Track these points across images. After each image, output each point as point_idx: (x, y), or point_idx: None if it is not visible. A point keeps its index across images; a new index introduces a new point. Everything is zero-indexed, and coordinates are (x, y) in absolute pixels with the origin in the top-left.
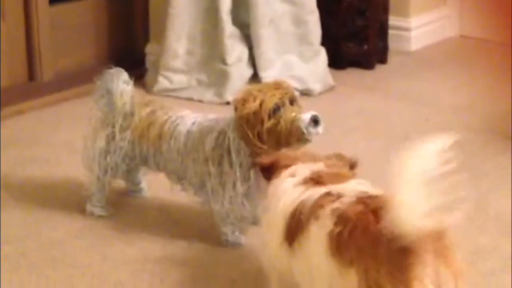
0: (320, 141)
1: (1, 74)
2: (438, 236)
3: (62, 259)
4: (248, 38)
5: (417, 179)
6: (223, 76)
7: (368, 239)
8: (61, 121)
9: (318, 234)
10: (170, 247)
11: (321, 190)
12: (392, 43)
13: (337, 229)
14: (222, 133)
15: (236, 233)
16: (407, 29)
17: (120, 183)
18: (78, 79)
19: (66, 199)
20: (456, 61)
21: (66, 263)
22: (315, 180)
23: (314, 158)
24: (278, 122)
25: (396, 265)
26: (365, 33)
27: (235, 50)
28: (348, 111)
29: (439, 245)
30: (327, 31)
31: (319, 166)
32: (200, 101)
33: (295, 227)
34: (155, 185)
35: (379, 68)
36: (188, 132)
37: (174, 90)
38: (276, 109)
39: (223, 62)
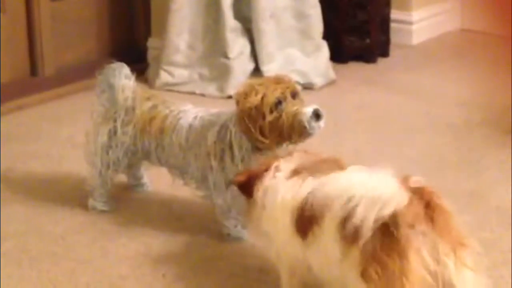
0: (322, 135)
1: (3, 69)
2: (434, 208)
3: (63, 254)
4: (249, 32)
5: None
6: (224, 70)
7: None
8: (63, 116)
9: (331, 223)
10: (172, 241)
11: (325, 180)
12: (393, 37)
13: (345, 214)
14: (224, 127)
15: (238, 227)
16: (409, 23)
17: (122, 177)
18: (79, 74)
19: (68, 194)
20: (458, 55)
21: (68, 258)
22: (307, 170)
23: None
24: (280, 116)
25: (389, 236)
26: (367, 27)
27: (237, 44)
28: (349, 105)
29: (436, 217)
30: (329, 25)
31: (296, 158)
32: (202, 95)
33: (308, 220)
34: (157, 180)
35: (381, 61)
36: (190, 126)
37: (176, 84)
38: (278, 103)
39: (225, 56)
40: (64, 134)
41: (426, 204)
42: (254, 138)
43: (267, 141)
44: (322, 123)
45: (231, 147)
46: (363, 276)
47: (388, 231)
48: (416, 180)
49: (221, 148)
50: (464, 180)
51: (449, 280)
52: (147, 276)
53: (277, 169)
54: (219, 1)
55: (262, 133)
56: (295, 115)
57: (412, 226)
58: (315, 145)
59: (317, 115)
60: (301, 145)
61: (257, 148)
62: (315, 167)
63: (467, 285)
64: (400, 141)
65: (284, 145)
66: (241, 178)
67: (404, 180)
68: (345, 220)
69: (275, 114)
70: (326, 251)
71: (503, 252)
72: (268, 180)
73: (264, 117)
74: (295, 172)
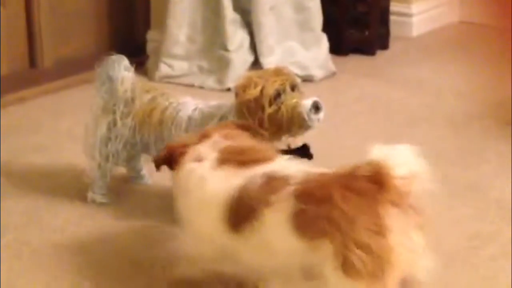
0: (322, 128)
1: (2, 61)
2: (410, 192)
3: (63, 246)
4: (249, 25)
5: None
6: (224, 63)
7: (337, 207)
8: (62, 108)
9: (275, 218)
10: (172, 233)
11: (258, 172)
12: (393, 29)
13: (299, 208)
14: (223, 120)
15: None
16: (409, 15)
17: (121, 170)
18: (79, 66)
19: (67, 187)
20: (457, 47)
21: (67, 250)
22: (232, 159)
23: (204, 135)
24: (279, 108)
25: (369, 219)
26: (367, 19)
27: (236, 37)
28: (349, 97)
29: (404, 199)
30: (328, 17)
31: (218, 141)
32: (201, 87)
33: (243, 214)
34: (156, 172)
35: (381, 54)
36: (190, 118)
37: (175, 76)
38: (277, 96)
39: (225, 48)
40: (63, 126)
41: (395, 188)
42: (253, 131)
43: (266, 134)
44: (321, 115)
45: None
46: (342, 267)
47: (364, 215)
48: (374, 165)
49: None
50: (463, 172)
51: (414, 259)
52: (146, 268)
53: (197, 157)
54: None
55: (261, 125)
56: (294, 107)
57: (387, 208)
58: (314, 138)
59: (316, 108)
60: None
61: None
62: (241, 156)
63: (427, 264)
64: (400, 133)
65: (284, 137)
66: (160, 155)
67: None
68: (297, 213)
69: (274, 106)
70: (268, 245)
71: (503, 244)
72: (189, 170)
73: (263, 110)
74: (222, 162)
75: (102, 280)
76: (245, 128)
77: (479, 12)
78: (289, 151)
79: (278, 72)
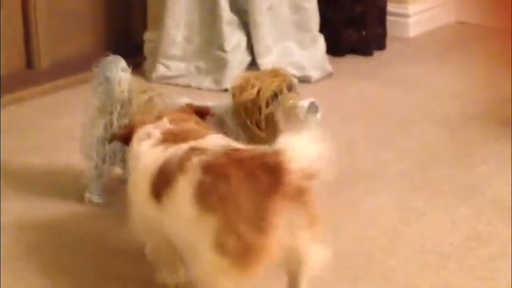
0: (318, 127)
1: None
2: (294, 185)
3: (60, 247)
4: (246, 25)
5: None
6: (221, 63)
7: (230, 187)
8: (59, 108)
9: (185, 186)
10: None
11: (184, 146)
12: (390, 30)
13: (202, 177)
14: (220, 121)
15: None
16: (406, 16)
17: (118, 170)
18: (76, 67)
19: (64, 187)
20: (454, 48)
21: (64, 251)
22: (171, 138)
23: (158, 116)
24: (276, 109)
25: (255, 211)
26: (364, 20)
27: (233, 37)
28: (346, 97)
29: (301, 193)
30: (325, 18)
31: (165, 124)
32: (198, 88)
33: (162, 183)
34: None
35: (378, 54)
36: None
37: (172, 77)
38: (273, 97)
39: (221, 49)
40: (60, 127)
41: (291, 181)
42: (250, 132)
43: (263, 134)
44: (318, 116)
45: None
46: (216, 245)
47: (252, 205)
48: (277, 154)
49: None
50: (460, 172)
51: (300, 254)
52: (142, 269)
53: (144, 135)
54: None
55: (258, 126)
56: (291, 108)
57: (277, 203)
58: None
59: (313, 108)
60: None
61: (253, 141)
62: (181, 135)
63: (314, 258)
64: (396, 133)
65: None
66: (121, 132)
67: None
68: (199, 184)
69: (271, 107)
70: (179, 215)
71: (500, 244)
72: (136, 147)
73: (260, 111)
74: (162, 141)
75: (100, 280)
76: (200, 112)
77: (475, 13)
78: None
79: (275, 73)
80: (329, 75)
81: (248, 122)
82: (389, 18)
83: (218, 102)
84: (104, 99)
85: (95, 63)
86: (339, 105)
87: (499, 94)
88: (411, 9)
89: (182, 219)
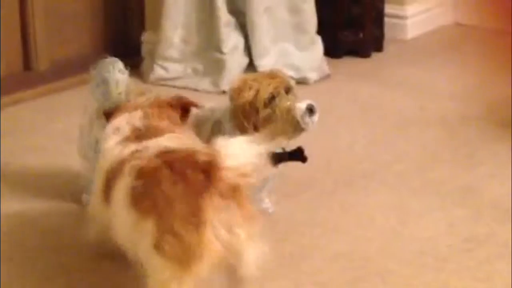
0: (316, 129)
1: None
2: (230, 183)
3: (58, 248)
4: (244, 27)
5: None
6: (219, 65)
7: (162, 190)
8: (57, 110)
9: (121, 189)
10: None
11: (133, 146)
12: (388, 31)
13: (135, 183)
14: (217, 123)
15: None
16: (403, 17)
17: None
18: (74, 68)
19: (62, 188)
20: (452, 49)
21: (62, 252)
22: (135, 136)
23: (134, 106)
24: (274, 111)
25: (189, 208)
26: (361, 22)
27: (231, 39)
28: (344, 99)
29: (234, 191)
30: (323, 20)
31: (139, 116)
32: (196, 90)
33: (111, 183)
34: None
35: (375, 56)
36: None
37: (170, 79)
38: (271, 99)
39: (219, 51)
40: (58, 128)
41: (223, 179)
42: (248, 133)
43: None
44: (315, 118)
45: None
46: (156, 247)
47: (185, 204)
48: (209, 153)
49: None
50: (458, 174)
51: (239, 250)
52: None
53: (115, 129)
54: None
55: (256, 128)
56: (289, 110)
57: (212, 200)
58: (309, 140)
59: (310, 110)
60: (295, 140)
61: None
62: (145, 134)
63: (252, 254)
64: (394, 135)
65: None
66: (110, 111)
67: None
68: (134, 188)
69: (268, 109)
70: (120, 218)
71: (498, 246)
72: (106, 139)
73: (257, 113)
74: (126, 139)
75: (98, 280)
76: (186, 105)
77: (473, 14)
78: (283, 154)
79: (272, 75)
80: (327, 76)
81: (246, 124)
82: (386, 20)
83: (216, 104)
84: (102, 100)
85: (93, 64)
86: (337, 106)
87: (498, 96)
88: (409, 10)
89: (123, 222)
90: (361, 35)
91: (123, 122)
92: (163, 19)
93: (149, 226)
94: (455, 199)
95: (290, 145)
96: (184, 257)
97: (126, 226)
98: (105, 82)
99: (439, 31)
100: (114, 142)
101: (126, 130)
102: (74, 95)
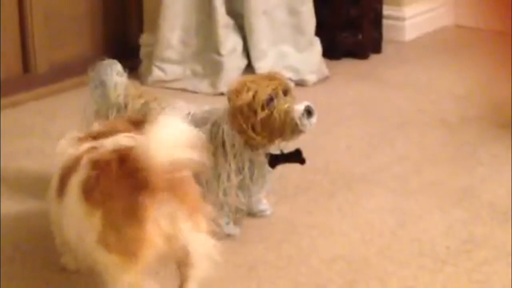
0: (315, 131)
1: None
2: (175, 176)
3: (55, 251)
4: (242, 29)
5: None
6: (217, 67)
7: (110, 183)
8: (56, 112)
9: (75, 183)
10: None
11: (88, 144)
12: (386, 33)
13: (88, 176)
14: (216, 125)
15: (230, 224)
16: (401, 19)
17: None
18: (72, 71)
19: None
20: (451, 51)
21: (59, 255)
22: (90, 136)
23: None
24: (272, 113)
25: (130, 203)
26: (360, 23)
27: (229, 41)
28: (343, 101)
29: (176, 184)
30: (321, 21)
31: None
32: (194, 92)
33: (63, 180)
34: None
35: (374, 57)
36: None
37: (168, 81)
38: (269, 100)
39: (217, 52)
40: (57, 130)
41: (166, 172)
42: (246, 135)
43: (259, 138)
44: (314, 120)
45: (223, 144)
46: (100, 241)
47: (127, 198)
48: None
49: (213, 145)
50: (457, 175)
51: (184, 245)
52: None
53: (71, 132)
54: None
55: (254, 130)
56: (287, 112)
57: (152, 194)
58: (307, 142)
59: (308, 112)
60: (293, 142)
61: (249, 145)
62: (102, 134)
63: (199, 247)
64: (393, 136)
65: (277, 141)
66: None
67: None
68: (87, 181)
69: (266, 111)
70: (71, 211)
71: (496, 248)
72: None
73: (256, 114)
74: (81, 139)
75: (96, 283)
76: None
77: (473, 16)
78: (281, 156)
79: (271, 76)
80: (326, 78)
81: (244, 126)
82: (385, 21)
83: (214, 105)
84: (100, 103)
85: (91, 67)
86: (335, 108)
87: (497, 97)
88: (407, 12)
89: (73, 215)
90: (359, 36)
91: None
92: (161, 21)
93: (95, 220)
94: (454, 200)
95: (288, 146)
96: (126, 251)
97: (76, 218)
98: (103, 84)
99: (437, 32)
100: (68, 141)
101: (83, 132)
102: (73, 97)
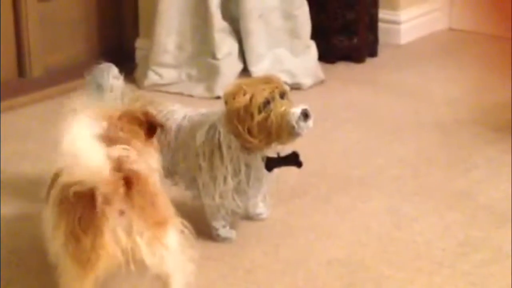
0: (311, 134)
1: None
2: (134, 186)
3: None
4: (238, 33)
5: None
6: (213, 71)
7: (73, 194)
8: (51, 116)
9: (54, 193)
10: None
11: None
12: (382, 37)
13: (64, 192)
14: (212, 128)
15: (227, 227)
16: (397, 23)
17: None
18: (68, 75)
19: None
20: (446, 54)
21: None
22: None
23: (107, 115)
24: (268, 116)
25: (86, 213)
26: (355, 27)
27: (225, 45)
28: (338, 104)
29: (136, 196)
30: (317, 25)
31: (103, 126)
32: (190, 95)
33: (51, 186)
34: None
35: (369, 61)
36: (179, 126)
37: (164, 85)
38: (266, 103)
39: (213, 56)
40: (53, 134)
41: (127, 182)
42: (242, 138)
43: (256, 141)
44: (310, 123)
45: (220, 147)
46: (64, 247)
47: (86, 207)
48: (123, 156)
49: (210, 149)
50: (453, 178)
51: (140, 258)
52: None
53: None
54: (207, 2)
55: (250, 133)
56: (283, 115)
57: (109, 204)
58: (303, 145)
59: (305, 115)
60: (289, 145)
61: (246, 148)
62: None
63: (160, 262)
64: (389, 140)
65: (273, 145)
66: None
67: (116, 159)
68: (60, 196)
69: (263, 114)
70: (48, 218)
71: (492, 250)
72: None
73: (252, 117)
74: None
75: None
76: (153, 124)
77: (468, 19)
78: (278, 159)
79: (267, 80)
80: (321, 82)
81: (241, 129)
82: (380, 25)
83: (210, 109)
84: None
85: (87, 71)
86: (331, 111)
87: (492, 100)
88: (403, 16)
89: (49, 222)
90: (355, 40)
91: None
92: (157, 25)
93: (62, 227)
94: (450, 203)
95: (285, 150)
96: (83, 259)
97: (49, 226)
98: (99, 88)
99: (433, 36)
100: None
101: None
102: (69, 101)
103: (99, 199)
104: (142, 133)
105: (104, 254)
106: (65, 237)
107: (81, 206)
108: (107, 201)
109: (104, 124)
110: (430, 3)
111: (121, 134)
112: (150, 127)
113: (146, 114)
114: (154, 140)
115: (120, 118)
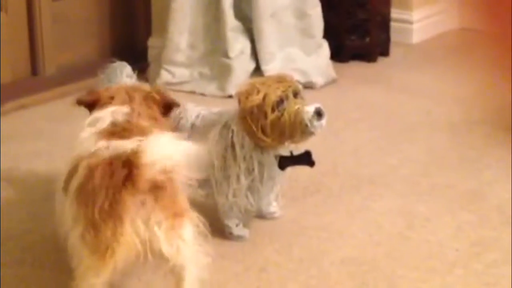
0: (323, 133)
1: (3, 68)
2: (155, 179)
3: (65, 253)
4: (250, 32)
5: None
6: (225, 70)
7: (93, 185)
8: (64, 115)
9: (73, 185)
10: None
11: (101, 143)
12: (394, 36)
13: (83, 179)
14: (226, 126)
15: (240, 226)
16: (409, 22)
17: None
18: (80, 73)
19: None
20: (457, 54)
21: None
22: (109, 132)
23: (127, 98)
24: (282, 115)
25: (109, 203)
26: (367, 26)
27: (238, 44)
28: (350, 103)
29: (158, 189)
30: (329, 24)
31: (123, 112)
32: (203, 94)
33: (70, 177)
34: None
35: (381, 60)
36: (192, 125)
37: (176, 83)
38: (279, 102)
39: (226, 55)
40: (65, 133)
41: (148, 174)
42: (256, 137)
43: (269, 140)
44: (324, 121)
45: (233, 146)
46: (81, 237)
47: (107, 198)
48: (137, 150)
49: (223, 147)
50: (464, 178)
51: (158, 249)
52: (147, 275)
53: (93, 121)
54: (220, 0)
55: (264, 132)
56: (297, 114)
57: (131, 195)
58: (316, 144)
59: (318, 114)
60: (302, 144)
61: (259, 147)
62: (121, 131)
63: (177, 253)
64: (400, 139)
65: (286, 143)
66: (86, 98)
67: (134, 152)
68: (81, 182)
69: (276, 113)
70: (67, 208)
71: (504, 250)
72: (81, 131)
73: (266, 116)
74: (102, 132)
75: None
76: (168, 104)
77: (480, 19)
78: (290, 158)
79: (280, 78)
80: (333, 81)
81: (254, 128)
82: (392, 24)
83: (223, 108)
84: None
85: (100, 69)
86: (343, 111)
87: (503, 100)
88: (415, 15)
89: (68, 214)
90: (367, 39)
91: (107, 113)
92: (169, 24)
93: (80, 217)
94: (462, 203)
95: (297, 149)
96: (101, 249)
97: (69, 218)
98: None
99: (445, 35)
100: (89, 134)
101: (105, 124)
102: None
103: (123, 193)
104: (160, 118)
105: (124, 242)
106: (84, 227)
107: (103, 195)
108: (129, 194)
109: (126, 109)
110: (442, 2)
111: (143, 122)
112: (165, 106)
113: (160, 93)
114: (170, 120)
115: (141, 103)
